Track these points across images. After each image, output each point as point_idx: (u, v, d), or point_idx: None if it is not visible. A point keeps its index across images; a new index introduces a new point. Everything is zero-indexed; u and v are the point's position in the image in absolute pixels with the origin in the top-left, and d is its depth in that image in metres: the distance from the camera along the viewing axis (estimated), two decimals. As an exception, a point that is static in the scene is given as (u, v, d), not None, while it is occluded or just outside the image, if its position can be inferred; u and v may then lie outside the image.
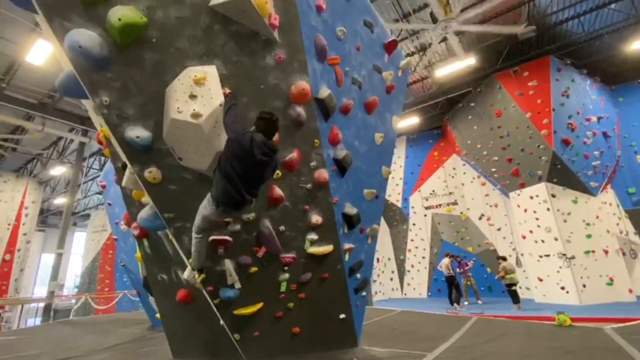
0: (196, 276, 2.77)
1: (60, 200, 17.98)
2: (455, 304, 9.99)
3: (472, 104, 12.16)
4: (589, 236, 9.74)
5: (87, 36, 2.25)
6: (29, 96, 10.45)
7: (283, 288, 3.23)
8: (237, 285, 2.99)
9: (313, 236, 3.31)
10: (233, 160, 2.27)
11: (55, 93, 10.28)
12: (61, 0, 2.24)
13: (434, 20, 7.89)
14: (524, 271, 10.90)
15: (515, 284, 9.11)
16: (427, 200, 14.68)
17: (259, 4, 2.52)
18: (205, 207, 2.44)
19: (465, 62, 9.94)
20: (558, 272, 9.50)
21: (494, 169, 11.62)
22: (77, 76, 2.37)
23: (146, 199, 2.95)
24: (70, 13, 2.27)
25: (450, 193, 14.25)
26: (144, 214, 2.98)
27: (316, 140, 3.16)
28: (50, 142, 13.85)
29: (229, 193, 2.29)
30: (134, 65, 2.45)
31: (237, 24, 2.66)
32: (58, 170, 14.59)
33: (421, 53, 10.92)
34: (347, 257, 3.59)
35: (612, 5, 9.34)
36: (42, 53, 8.00)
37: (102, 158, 15.11)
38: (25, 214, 15.23)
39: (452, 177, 14.39)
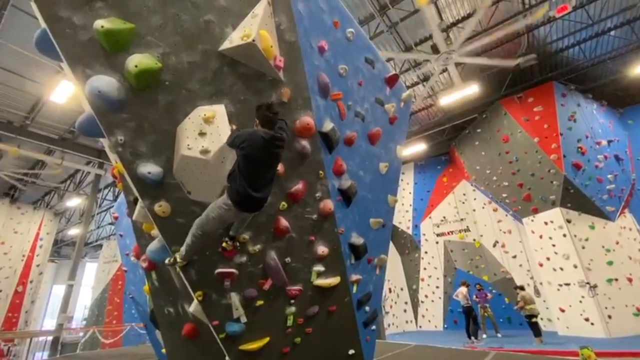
0: (178, 262, 2.65)
1: (74, 231, 18.28)
2: (472, 338, 9.49)
3: (479, 130, 12.25)
4: (610, 263, 9.33)
5: (106, 82, 2.42)
6: (50, 132, 11.03)
7: (290, 322, 3.16)
8: (243, 319, 2.95)
9: (319, 268, 3.30)
10: (250, 164, 2.39)
11: (75, 128, 10.80)
12: (85, 51, 2.44)
13: (436, 52, 8.19)
14: (544, 301, 10.38)
15: (535, 315, 8.65)
16: (438, 227, 14.39)
17: (265, 47, 2.70)
18: (221, 209, 2.43)
19: (469, 90, 10.11)
20: (581, 302, 9.02)
21: (504, 195, 11.44)
22: (95, 118, 2.53)
23: (156, 232, 3.02)
24: (92, 62, 2.47)
25: (461, 219, 13.96)
26: (152, 246, 3.04)
27: (321, 172, 3.24)
28: (68, 174, 14.37)
29: (248, 195, 2.39)
30: (148, 106, 2.61)
31: (244, 65, 2.84)
32: (74, 202, 14.95)
33: (424, 82, 11.20)
34: (354, 288, 3.53)
35: (612, 32, 9.53)
36: (66, 92, 8.47)
37: (116, 189, 15.49)
38: (40, 246, 15.47)
39: (463, 203, 14.18)
